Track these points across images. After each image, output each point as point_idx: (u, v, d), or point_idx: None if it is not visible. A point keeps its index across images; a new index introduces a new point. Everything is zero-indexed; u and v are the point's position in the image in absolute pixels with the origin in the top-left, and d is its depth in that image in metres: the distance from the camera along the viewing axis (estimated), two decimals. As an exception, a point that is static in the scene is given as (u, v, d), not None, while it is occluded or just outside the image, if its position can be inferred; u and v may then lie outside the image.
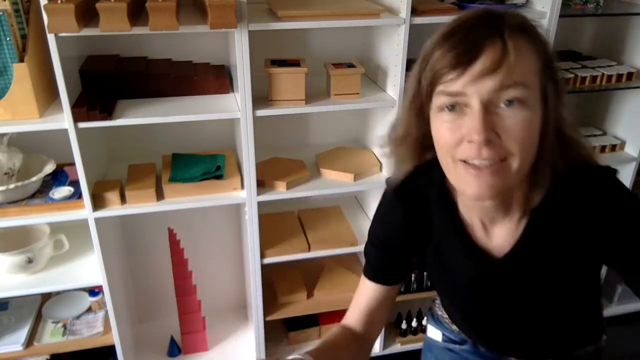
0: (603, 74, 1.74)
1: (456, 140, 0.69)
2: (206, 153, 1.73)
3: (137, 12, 1.37)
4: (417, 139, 0.80)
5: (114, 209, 1.52)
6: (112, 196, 1.51)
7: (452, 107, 0.68)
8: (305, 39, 1.73)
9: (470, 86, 0.65)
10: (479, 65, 0.64)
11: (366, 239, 0.97)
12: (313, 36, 1.72)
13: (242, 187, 1.60)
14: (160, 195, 1.56)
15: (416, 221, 0.87)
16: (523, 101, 0.66)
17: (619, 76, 1.76)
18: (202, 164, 1.64)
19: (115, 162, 1.72)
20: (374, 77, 1.74)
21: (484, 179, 0.68)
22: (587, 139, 1.89)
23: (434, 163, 0.78)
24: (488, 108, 0.66)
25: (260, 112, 1.49)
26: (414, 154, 0.82)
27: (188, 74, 1.58)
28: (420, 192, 0.87)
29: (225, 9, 1.31)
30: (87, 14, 1.31)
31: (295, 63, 1.53)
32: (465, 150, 0.68)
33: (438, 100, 0.70)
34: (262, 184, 1.63)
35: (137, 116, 1.43)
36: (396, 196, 0.88)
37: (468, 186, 0.70)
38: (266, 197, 1.61)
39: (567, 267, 0.81)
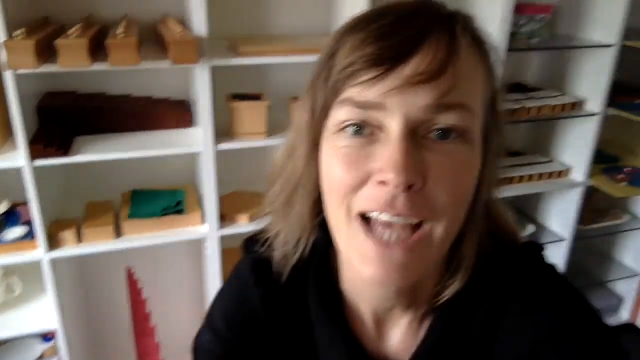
0: (548, 104, 1.85)
1: (358, 178, 0.45)
2: (166, 188, 1.71)
3: (97, 47, 1.36)
4: (312, 194, 0.53)
5: (70, 248, 1.47)
6: (68, 235, 1.46)
7: (358, 129, 0.45)
8: (266, 73, 1.76)
9: (393, 96, 0.43)
10: (411, 66, 0.43)
11: None
12: (274, 70, 1.76)
13: (204, 221, 1.59)
14: (118, 233, 1.53)
15: (282, 313, 0.60)
16: (465, 134, 0.45)
17: (564, 106, 1.87)
18: (163, 199, 1.62)
19: (72, 200, 1.67)
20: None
21: (392, 255, 0.45)
22: (534, 166, 2.03)
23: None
24: (413, 136, 0.44)
25: (222, 146, 1.50)
26: (308, 220, 0.55)
27: (148, 109, 1.57)
28: (292, 268, 0.59)
29: (187, 45, 1.32)
30: (46, 50, 1.29)
31: (256, 97, 1.55)
32: (369, 197, 0.45)
33: (338, 114, 0.46)
34: (224, 218, 1.62)
35: (95, 152, 1.41)
36: (255, 279, 0.61)
37: (366, 262, 0.46)
38: (228, 230, 1.60)
39: None
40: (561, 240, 2.06)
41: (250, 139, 1.54)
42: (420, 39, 0.43)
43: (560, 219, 2.10)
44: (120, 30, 1.30)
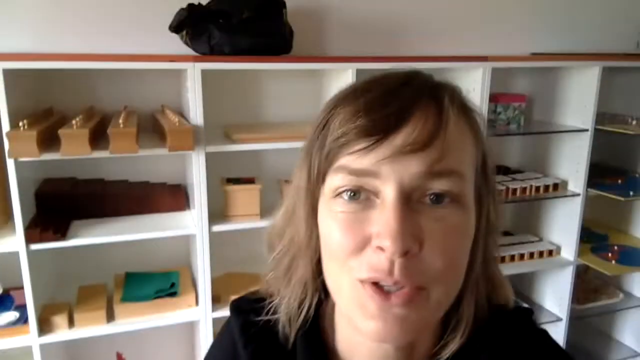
0: (531, 185, 1.92)
1: (356, 243, 0.46)
2: (160, 271, 1.72)
3: (98, 136, 1.44)
4: (313, 258, 0.54)
5: (61, 333, 1.46)
6: (60, 320, 1.46)
7: (353, 194, 0.46)
8: (260, 158, 1.83)
9: (386, 164, 0.45)
10: (402, 136, 0.45)
11: None
12: (267, 155, 1.83)
13: (197, 303, 1.59)
14: (110, 317, 1.52)
15: None
16: (458, 198, 0.47)
17: (546, 187, 1.94)
18: (156, 282, 1.63)
19: (65, 283, 1.68)
20: (324, 193, 1.83)
21: (393, 309, 0.45)
22: (525, 245, 2.05)
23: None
24: (408, 201, 0.45)
25: (216, 228, 1.53)
26: (311, 282, 0.56)
27: (144, 193, 1.63)
28: (280, 334, 0.59)
29: (184, 133, 1.40)
30: (48, 139, 1.36)
31: (250, 180, 1.61)
32: (368, 265, 0.45)
33: (334, 182, 0.47)
34: (218, 300, 1.62)
35: (91, 236, 1.44)
36: (244, 342, 0.59)
37: (367, 316, 0.46)
38: (222, 313, 1.59)
39: None
40: (558, 320, 2.05)
41: (244, 221, 1.58)
42: (409, 110, 0.45)
43: (555, 298, 2.10)
44: (120, 120, 1.38)
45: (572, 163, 1.97)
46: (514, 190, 1.89)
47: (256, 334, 0.59)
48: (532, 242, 2.10)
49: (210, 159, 1.48)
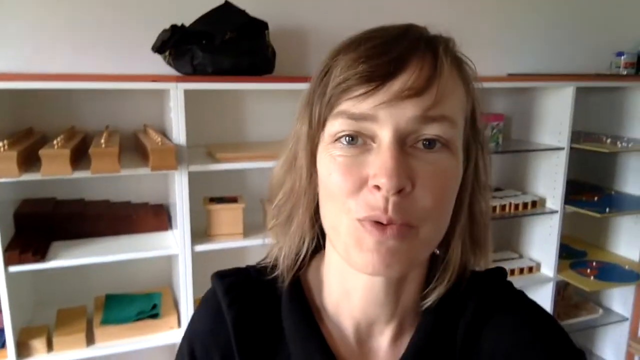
0: (511, 202, 1.95)
1: (355, 183, 0.49)
2: (142, 292, 1.70)
3: (79, 156, 1.43)
4: (312, 204, 0.57)
5: (40, 358, 1.42)
6: (38, 343, 1.42)
7: (351, 139, 0.50)
8: (243, 177, 1.83)
9: (383, 109, 0.48)
10: (399, 83, 0.48)
11: None
12: (250, 174, 1.84)
13: (180, 325, 1.57)
14: (90, 340, 1.49)
15: (256, 341, 0.59)
16: (448, 144, 0.50)
17: (525, 204, 1.98)
18: (137, 304, 1.61)
19: (44, 305, 1.64)
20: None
21: (387, 244, 0.49)
22: (505, 262, 2.08)
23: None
24: (403, 145, 0.49)
25: (199, 248, 1.53)
26: (309, 229, 0.59)
27: (126, 213, 1.61)
28: (265, 293, 0.61)
29: (166, 152, 1.40)
30: (28, 159, 1.35)
31: (233, 200, 1.61)
32: (365, 204, 0.48)
33: (334, 127, 0.50)
34: (200, 322, 1.60)
35: (71, 257, 1.42)
36: (228, 301, 0.60)
37: (365, 252, 0.49)
38: (204, 335, 1.57)
39: None
40: (538, 336, 2.06)
41: (227, 240, 1.57)
42: (407, 58, 0.49)
43: (535, 314, 2.12)
44: (102, 140, 1.38)
45: (549, 180, 2.01)
46: (494, 207, 1.92)
47: (240, 294, 0.61)
48: (513, 258, 2.13)
49: (193, 178, 1.48)
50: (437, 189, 0.49)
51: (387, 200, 0.47)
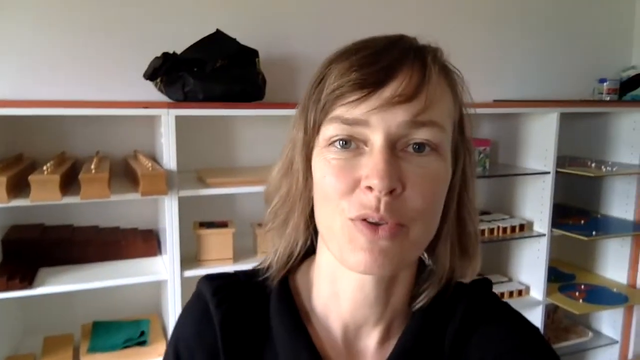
0: (499, 226, 1.97)
1: (348, 184, 0.51)
2: (130, 319, 1.68)
3: (69, 182, 1.43)
4: (307, 208, 0.59)
5: (24, 387, 1.40)
6: (24, 372, 1.40)
7: (345, 143, 0.52)
8: (233, 202, 1.84)
9: (375, 114, 0.50)
10: (390, 90, 0.50)
11: None
12: (240, 199, 1.84)
13: (168, 352, 1.55)
14: (77, 368, 1.47)
15: (243, 341, 0.60)
16: (437, 148, 0.52)
17: (513, 228, 2.00)
18: (125, 331, 1.59)
19: (31, 333, 1.62)
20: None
21: (379, 244, 0.50)
22: (494, 285, 2.07)
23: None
24: (393, 149, 0.51)
25: (189, 273, 1.52)
26: (303, 231, 0.61)
27: (115, 239, 1.61)
28: (253, 294, 0.62)
29: (157, 178, 1.40)
30: (17, 185, 1.35)
31: (223, 224, 1.61)
32: (358, 204, 0.50)
33: (328, 131, 0.53)
34: (189, 348, 1.58)
35: (59, 283, 1.41)
36: (216, 302, 0.60)
37: (356, 248, 0.51)
38: (193, 362, 1.56)
39: None
40: (529, 360, 2.06)
41: (217, 265, 1.57)
42: (397, 67, 0.51)
43: (525, 338, 2.12)
44: (92, 165, 1.38)
45: (536, 204, 2.04)
46: (482, 231, 1.93)
47: (229, 295, 0.61)
48: (502, 282, 2.13)
49: (183, 203, 1.48)
50: (427, 191, 0.51)
51: (379, 200, 0.49)
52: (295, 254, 0.62)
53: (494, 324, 0.60)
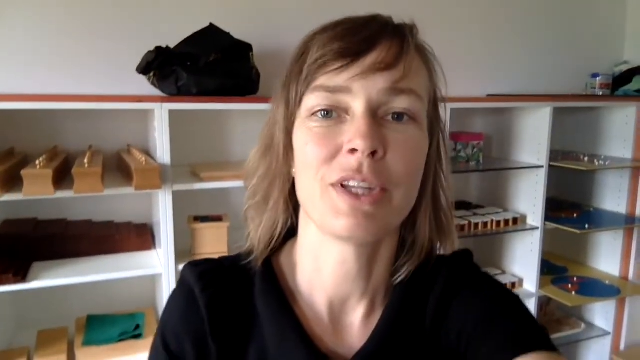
0: (492, 220, 1.98)
1: (330, 151, 0.52)
2: (125, 312, 1.68)
3: (62, 176, 1.43)
4: (287, 184, 0.60)
5: (19, 381, 1.40)
6: (18, 366, 1.40)
7: (326, 113, 0.53)
8: (227, 196, 1.84)
9: (357, 81, 0.52)
10: (371, 58, 0.52)
11: None
12: (235, 193, 1.84)
13: (162, 346, 1.55)
14: (71, 362, 1.47)
15: (229, 323, 0.60)
16: (415, 118, 0.54)
17: (506, 221, 2.01)
18: (120, 324, 1.59)
19: (24, 327, 1.62)
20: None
21: (362, 207, 0.51)
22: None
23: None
24: (375, 116, 0.53)
25: (183, 268, 1.52)
26: (283, 209, 0.61)
27: (108, 233, 1.60)
28: (238, 277, 0.62)
29: (151, 172, 1.40)
30: (9, 180, 1.34)
31: (218, 218, 1.62)
32: (340, 166, 0.52)
33: (310, 101, 0.54)
34: (184, 342, 1.58)
35: (52, 277, 1.40)
36: (201, 286, 0.60)
37: (339, 215, 0.52)
38: (187, 355, 1.56)
39: None
40: (522, 352, 2.08)
41: (211, 260, 1.57)
42: (377, 38, 0.54)
43: (518, 330, 2.13)
44: (85, 160, 1.38)
45: (529, 198, 2.05)
46: (476, 224, 1.94)
47: (214, 279, 0.61)
48: (496, 274, 2.15)
49: (177, 197, 1.48)
50: (408, 156, 0.54)
51: (361, 163, 0.51)
52: (277, 234, 0.63)
53: (474, 290, 0.61)
